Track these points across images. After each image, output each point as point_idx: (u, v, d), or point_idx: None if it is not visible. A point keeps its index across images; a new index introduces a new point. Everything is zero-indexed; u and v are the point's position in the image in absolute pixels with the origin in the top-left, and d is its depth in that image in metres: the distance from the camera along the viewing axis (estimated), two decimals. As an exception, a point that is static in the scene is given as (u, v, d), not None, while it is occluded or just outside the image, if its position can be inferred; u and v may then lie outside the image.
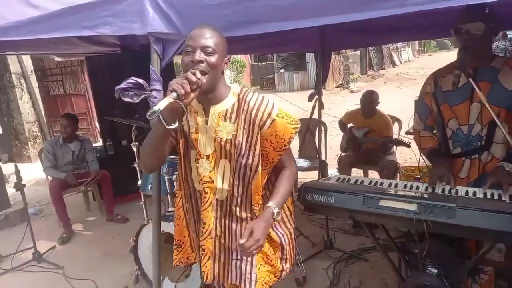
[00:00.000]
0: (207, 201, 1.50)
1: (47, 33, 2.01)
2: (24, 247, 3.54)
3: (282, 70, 16.12)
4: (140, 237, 2.72)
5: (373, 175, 4.55)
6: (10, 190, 4.53)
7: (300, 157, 4.10)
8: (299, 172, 4.53)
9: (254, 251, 1.38)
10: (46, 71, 9.17)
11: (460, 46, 1.83)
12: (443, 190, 1.76)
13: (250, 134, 1.43)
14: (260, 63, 18.57)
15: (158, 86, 1.83)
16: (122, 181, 4.14)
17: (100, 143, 6.02)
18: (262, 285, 1.55)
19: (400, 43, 21.11)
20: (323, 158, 4.49)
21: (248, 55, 17.15)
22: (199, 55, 1.32)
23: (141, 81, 1.83)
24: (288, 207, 1.65)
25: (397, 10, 1.29)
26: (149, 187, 2.91)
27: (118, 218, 4.28)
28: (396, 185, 1.85)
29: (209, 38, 1.33)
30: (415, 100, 3.91)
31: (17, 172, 3.34)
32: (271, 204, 1.45)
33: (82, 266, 3.37)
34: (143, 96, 1.88)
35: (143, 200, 3.14)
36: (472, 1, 1.24)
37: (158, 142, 1.39)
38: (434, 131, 2.21)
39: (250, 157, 1.45)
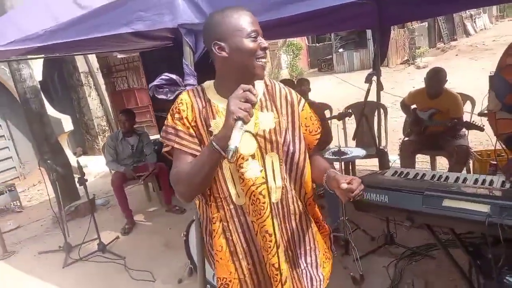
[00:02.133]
0: (266, 207, 1.27)
1: (87, 34, 2.02)
2: (92, 237, 3.76)
3: (341, 50, 15.42)
4: (190, 232, 2.72)
5: (442, 161, 4.14)
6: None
7: (357, 145, 3.82)
8: (357, 161, 4.29)
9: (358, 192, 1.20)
10: (111, 68, 9.72)
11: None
12: (525, 185, 1.47)
13: (292, 118, 1.34)
14: (317, 44, 17.97)
15: (192, 80, 1.74)
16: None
17: (158, 135, 6.23)
18: (326, 280, 1.45)
19: (474, 9, 19.02)
20: (384, 144, 4.18)
21: (305, 37, 16.65)
22: (264, 42, 1.21)
23: (174, 76, 1.75)
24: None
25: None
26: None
27: (176, 209, 4.39)
28: (464, 180, 1.59)
29: (257, 22, 1.22)
30: (490, 76, 3.43)
31: (80, 168, 3.53)
32: (331, 169, 1.34)
33: (142, 256, 3.51)
34: (177, 92, 1.80)
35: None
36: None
37: (212, 170, 1.22)
38: (515, 112, 1.86)
39: (297, 142, 1.33)
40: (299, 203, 1.37)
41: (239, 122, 1.06)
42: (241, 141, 1.06)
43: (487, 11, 22.72)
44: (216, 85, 1.30)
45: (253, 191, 1.26)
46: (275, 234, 1.27)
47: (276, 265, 1.28)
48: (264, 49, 1.20)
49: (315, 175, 1.38)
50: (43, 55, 4.66)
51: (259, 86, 1.32)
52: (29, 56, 3.87)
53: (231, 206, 1.29)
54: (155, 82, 1.70)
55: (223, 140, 1.09)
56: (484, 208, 1.30)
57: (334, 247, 2.91)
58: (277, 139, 1.28)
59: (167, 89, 1.79)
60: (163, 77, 1.71)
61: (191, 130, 1.25)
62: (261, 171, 1.26)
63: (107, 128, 8.28)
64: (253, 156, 1.26)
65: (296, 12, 1.38)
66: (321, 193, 3.76)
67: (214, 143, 1.11)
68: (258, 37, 1.19)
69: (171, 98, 1.82)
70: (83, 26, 2.03)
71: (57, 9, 2.35)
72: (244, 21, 1.18)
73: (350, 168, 4.10)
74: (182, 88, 1.80)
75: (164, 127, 1.29)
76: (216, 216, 1.31)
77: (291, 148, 1.31)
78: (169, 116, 1.28)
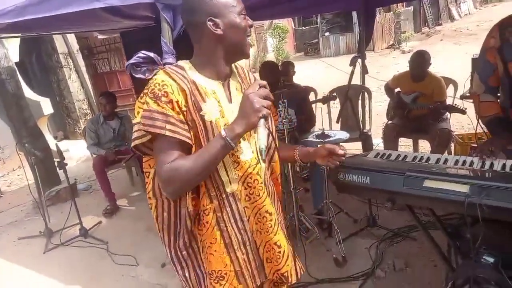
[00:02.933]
0: (262, 189, 1.25)
1: (59, 9, 1.92)
2: (73, 222, 3.69)
3: (327, 34, 15.33)
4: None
5: (424, 144, 4.19)
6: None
7: (341, 128, 3.82)
8: (341, 144, 4.28)
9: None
10: (92, 50, 9.43)
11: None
12: (504, 166, 1.47)
13: None
14: (304, 27, 17.81)
15: (171, 59, 1.68)
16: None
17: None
18: None
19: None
20: (368, 128, 4.20)
21: (291, 19, 16.47)
22: (251, 20, 1.20)
23: (152, 54, 1.67)
24: None
25: None
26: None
27: (160, 193, 4.34)
28: (445, 161, 1.59)
29: None
30: (473, 58, 3.45)
31: (59, 151, 3.43)
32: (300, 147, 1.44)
33: (125, 241, 3.47)
34: (156, 71, 1.73)
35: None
36: None
37: (215, 165, 1.16)
38: (498, 94, 1.87)
39: (269, 121, 1.26)
40: (271, 183, 1.37)
41: (262, 120, 1.05)
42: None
43: (472, -4, 22.82)
44: (198, 64, 1.21)
45: (250, 173, 1.22)
46: (273, 213, 1.29)
47: (279, 243, 1.28)
48: (251, 26, 1.19)
49: (283, 154, 1.42)
50: (19, 34, 4.49)
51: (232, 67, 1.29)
52: (3, 35, 3.71)
53: (224, 195, 1.21)
54: (131, 60, 1.61)
55: (238, 137, 1.07)
56: (464, 189, 1.31)
57: (318, 230, 2.94)
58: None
59: (144, 68, 1.71)
60: (140, 55, 1.63)
61: (181, 116, 1.12)
62: (253, 151, 1.24)
63: (88, 111, 8.09)
64: (243, 138, 1.21)
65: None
66: (305, 176, 3.77)
67: (229, 140, 1.06)
68: (247, 15, 1.17)
69: (149, 77, 1.75)
70: (55, 1, 1.92)
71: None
72: None
73: (334, 151, 4.11)
74: (160, 66, 1.73)
75: (146, 113, 1.10)
76: (209, 207, 1.21)
77: (269, 128, 1.28)
78: (150, 100, 1.11)
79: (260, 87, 1.08)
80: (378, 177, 1.50)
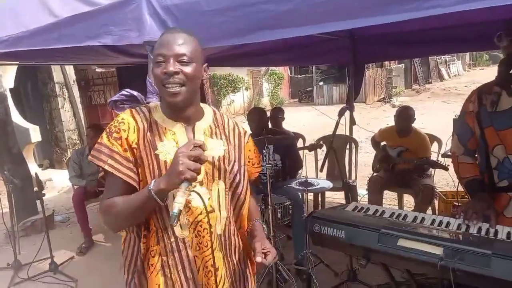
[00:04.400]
0: (213, 239, 1.18)
1: (52, 44, 1.97)
2: (45, 255, 3.53)
3: (321, 83, 15.83)
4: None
5: (410, 198, 4.18)
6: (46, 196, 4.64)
7: (326, 177, 3.83)
8: (326, 193, 4.28)
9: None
10: (89, 81, 9.56)
11: (504, 55, 1.54)
12: (480, 230, 1.46)
13: (238, 148, 1.32)
14: (299, 76, 18.38)
15: (155, 99, 1.69)
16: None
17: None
18: None
19: (449, 56, 20.06)
20: (353, 178, 4.20)
21: (288, 67, 17.02)
22: (173, 66, 1.10)
23: (135, 93, 1.68)
24: None
25: (411, 14, 1.06)
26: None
27: (139, 230, 4.21)
28: (422, 220, 1.58)
29: (183, 45, 1.11)
30: (454, 119, 3.54)
31: (38, 181, 3.36)
32: (259, 220, 1.37)
33: (96, 279, 3.31)
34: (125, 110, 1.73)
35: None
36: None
37: (144, 215, 1.15)
38: (477, 155, 1.89)
39: (242, 173, 1.29)
40: (238, 235, 1.32)
41: (184, 184, 1.00)
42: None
43: (461, 58, 24.01)
44: (163, 106, 1.24)
45: (200, 220, 1.16)
46: (222, 268, 1.21)
47: None
48: (168, 74, 1.09)
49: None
50: (17, 62, 4.54)
51: (207, 111, 1.30)
52: (-2, 62, 3.75)
53: (172, 239, 1.16)
54: (114, 97, 1.63)
55: (162, 193, 1.03)
56: (438, 251, 1.28)
57: (296, 282, 2.85)
58: (225, 167, 1.23)
59: (127, 106, 1.72)
60: (123, 92, 1.64)
61: (128, 154, 1.14)
62: (209, 199, 1.20)
63: (78, 141, 8.04)
64: (201, 183, 1.18)
65: (259, 40, 1.37)
66: (287, 223, 3.70)
67: (153, 193, 1.02)
68: (168, 61, 1.10)
69: (131, 115, 1.75)
70: (49, 35, 1.97)
71: (26, 16, 2.29)
72: (158, 43, 1.15)
73: (320, 199, 4.09)
74: (143, 104, 1.73)
75: (96, 145, 1.17)
76: (155, 249, 1.16)
77: (237, 178, 1.26)
78: (104, 135, 1.17)
79: (195, 147, 1.03)
80: (353, 232, 1.47)
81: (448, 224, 1.53)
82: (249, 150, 1.37)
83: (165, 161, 1.13)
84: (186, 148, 1.03)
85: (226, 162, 1.24)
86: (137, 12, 1.62)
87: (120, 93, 1.67)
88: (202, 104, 1.30)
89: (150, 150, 1.14)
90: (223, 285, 1.20)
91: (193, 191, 1.05)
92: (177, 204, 0.98)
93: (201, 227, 1.17)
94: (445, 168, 3.07)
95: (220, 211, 1.22)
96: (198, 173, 1.02)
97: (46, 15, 2.22)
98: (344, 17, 1.21)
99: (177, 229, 1.16)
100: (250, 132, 1.34)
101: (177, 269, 1.17)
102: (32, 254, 3.65)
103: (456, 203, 3.09)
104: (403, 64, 16.77)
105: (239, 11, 1.39)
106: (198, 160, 1.03)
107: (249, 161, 1.36)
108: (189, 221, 1.16)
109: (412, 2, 1.10)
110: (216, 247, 1.18)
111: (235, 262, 1.29)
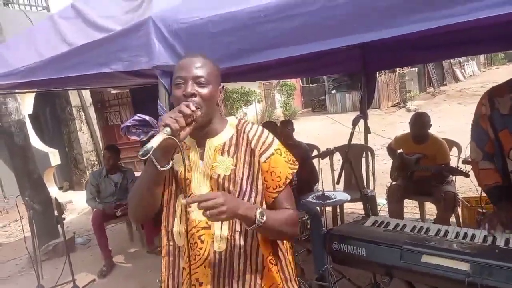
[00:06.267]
0: (204, 253, 1.23)
1: (65, 73, 2.01)
2: (67, 279, 3.56)
3: (333, 91, 15.75)
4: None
5: (431, 206, 4.07)
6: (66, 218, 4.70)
7: (344, 188, 3.76)
8: (345, 204, 4.20)
9: (213, 211, 1.06)
10: (105, 103, 9.76)
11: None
12: (507, 241, 1.39)
13: (252, 168, 1.25)
14: (311, 85, 18.36)
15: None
16: (164, 211, 4.10)
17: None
18: None
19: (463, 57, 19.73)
20: (371, 188, 4.12)
21: (298, 78, 17.02)
22: (191, 88, 1.18)
23: (147, 117, 1.70)
24: (290, 262, 1.37)
25: (422, 25, 1.03)
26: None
27: (158, 250, 4.21)
28: (446, 233, 1.52)
29: (200, 67, 1.20)
30: (472, 124, 3.46)
31: (58, 205, 3.40)
32: (256, 204, 1.23)
33: (117, 301, 3.31)
34: (150, 134, 1.75)
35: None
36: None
37: (151, 187, 1.21)
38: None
39: (253, 194, 1.24)
40: (250, 262, 1.26)
41: (167, 129, 1.07)
42: (159, 146, 1.06)
43: (475, 58, 23.59)
44: None
45: (193, 233, 1.22)
46: (207, 285, 1.23)
47: None
48: (188, 95, 1.17)
49: None
50: (34, 90, 4.68)
51: (228, 130, 1.30)
52: (16, 90, 3.86)
53: (171, 243, 1.29)
54: (126, 123, 1.65)
55: (158, 151, 1.10)
56: (464, 267, 1.23)
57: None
58: (229, 187, 1.23)
59: (140, 130, 1.73)
60: (135, 117, 1.67)
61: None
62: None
63: (96, 163, 8.17)
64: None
65: (269, 58, 1.36)
66: (305, 238, 3.64)
67: (152, 155, 1.11)
68: (186, 83, 1.18)
69: (144, 139, 1.77)
70: (62, 64, 2.02)
71: (42, 44, 2.36)
72: (178, 67, 1.23)
73: (338, 211, 4.02)
74: (156, 129, 1.75)
75: None
76: (164, 248, 1.31)
77: (246, 199, 1.23)
78: None
79: (184, 105, 1.13)
80: (374, 249, 1.43)
81: (473, 236, 1.47)
82: (266, 171, 1.25)
83: (178, 171, 1.26)
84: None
85: (231, 182, 1.23)
86: (146, 38, 1.64)
87: (132, 118, 1.69)
88: (231, 121, 1.32)
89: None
90: None
91: (170, 136, 1.07)
92: (153, 141, 1.05)
93: (194, 240, 1.22)
94: (466, 175, 2.97)
95: (221, 230, 1.23)
96: (178, 121, 1.08)
97: (60, 43, 2.28)
98: (351, 31, 1.20)
99: (176, 236, 1.27)
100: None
101: (169, 272, 1.30)
102: (54, 278, 3.69)
103: (480, 210, 2.98)
104: (416, 68, 16.57)
105: (245, 31, 1.39)
106: (180, 112, 1.10)
107: (264, 183, 1.26)
108: (185, 231, 1.20)
109: (422, 12, 1.07)
110: (203, 263, 1.22)
111: (233, 283, 1.25)
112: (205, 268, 1.23)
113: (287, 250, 1.36)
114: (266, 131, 1.30)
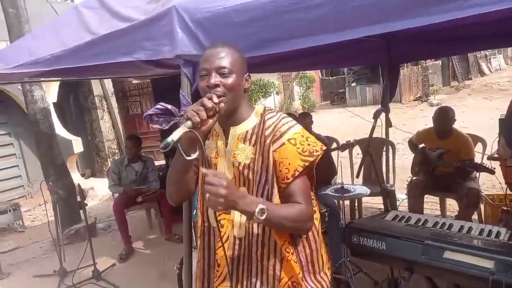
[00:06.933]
0: (223, 236, 1.30)
1: (89, 61, 2.04)
2: (88, 262, 3.67)
3: (353, 84, 15.52)
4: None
5: (453, 202, 3.98)
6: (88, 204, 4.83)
7: (363, 182, 3.72)
8: (364, 198, 4.15)
9: (212, 198, 1.07)
10: (126, 93, 9.90)
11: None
12: (535, 240, 1.35)
13: (266, 156, 1.25)
14: (330, 78, 18.13)
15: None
16: (183, 200, 4.18)
17: (164, 161, 6.22)
18: None
19: (488, 50, 19.06)
20: (391, 183, 4.06)
21: (318, 70, 16.84)
22: (214, 79, 1.20)
23: (169, 106, 1.71)
24: (322, 255, 1.39)
25: (449, 14, 1.00)
26: (194, 213, 2.81)
27: (176, 238, 4.28)
28: (469, 230, 1.49)
29: (223, 58, 1.21)
30: (500, 119, 3.33)
31: (80, 191, 3.50)
32: (261, 198, 1.20)
33: (137, 286, 3.39)
34: (172, 123, 1.75)
35: (193, 225, 3.06)
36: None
37: (181, 173, 1.30)
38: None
39: (267, 184, 1.25)
40: (268, 250, 1.27)
41: (189, 122, 1.10)
42: (184, 138, 1.11)
43: (502, 52, 22.74)
44: None
45: (217, 217, 1.31)
46: (224, 267, 1.30)
47: None
48: (211, 86, 1.19)
49: None
50: (59, 78, 4.79)
51: (252, 119, 1.31)
52: (41, 79, 3.95)
53: (206, 224, 1.36)
54: (149, 112, 1.66)
55: (183, 142, 1.16)
56: (488, 264, 1.20)
57: (334, 290, 2.77)
58: (249, 175, 1.26)
59: (162, 119, 1.74)
60: (158, 106, 1.67)
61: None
62: None
63: (117, 151, 8.34)
64: None
65: (294, 48, 1.34)
66: (323, 230, 3.63)
67: (179, 145, 1.16)
68: (210, 74, 1.20)
69: (166, 128, 1.78)
70: (86, 53, 2.05)
71: (66, 34, 2.40)
72: (202, 58, 1.24)
73: (356, 205, 3.98)
74: (178, 118, 1.76)
75: None
76: (201, 228, 1.38)
77: (265, 188, 1.24)
78: None
79: (207, 98, 1.15)
80: (395, 244, 1.41)
81: (498, 234, 1.43)
82: (276, 161, 1.23)
83: (209, 157, 1.33)
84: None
85: (250, 171, 1.25)
86: (169, 27, 1.65)
87: (155, 107, 1.71)
88: (257, 109, 1.33)
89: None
90: (221, 283, 1.33)
91: (191, 130, 1.10)
92: (173, 134, 1.07)
93: (219, 223, 1.31)
94: (492, 172, 2.88)
95: (241, 216, 1.26)
96: (199, 115, 1.11)
97: (85, 33, 2.31)
98: (378, 20, 1.17)
99: (211, 217, 1.34)
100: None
101: (204, 253, 1.38)
102: (76, 261, 3.80)
103: (505, 208, 2.90)
104: (440, 61, 16.12)
105: (269, 20, 1.38)
106: (202, 105, 1.13)
107: (276, 173, 1.24)
108: (214, 212, 1.31)
109: (450, 2, 1.04)
110: (222, 246, 1.28)
111: (251, 272, 1.29)
112: (224, 251, 1.26)
113: (320, 242, 1.36)
114: (286, 119, 1.27)
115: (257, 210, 1.10)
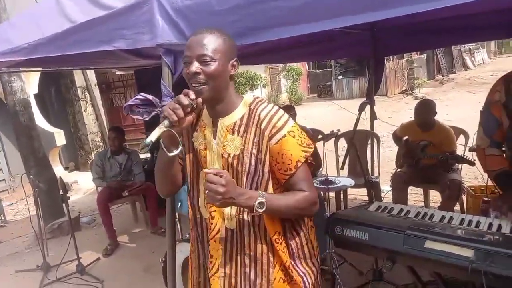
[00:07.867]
0: (214, 228, 1.32)
1: (67, 50, 1.98)
2: (72, 257, 3.61)
3: (340, 77, 15.58)
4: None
5: (436, 194, 4.04)
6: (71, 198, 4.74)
7: (348, 174, 3.74)
8: (349, 190, 4.18)
9: (210, 195, 1.11)
10: (110, 84, 9.74)
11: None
12: (513, 229, 1.37)
13: (260, 148, 1.25)
14: (317, 70, 18.16)
15: (169, 101, 1.67)
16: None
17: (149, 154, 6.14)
18: None
19: (473, 44, 19.37)
20: (376, 174, 4.10)
21: (305, 62, 16.84)
22: (194, 67, 1.18)
23: (150, 97, 1.68)
24: (311, 241, 1.40)
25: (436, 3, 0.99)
26: (178, 205, 2.79)
27: (162, 231, 4.25)
28: (450, 219, 1.50)
29: (205, 45, 1.18)
30: (481, 111, 3.39)
31: (62, 184, 3.43)
32: (260, 192, 1.21)
33: (121, 280, 3.37)
34: (153, 113, 1.73)
35: (177, 217, 3.03)
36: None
37: (166, 168, 1.33)
38: (504, 148, 1.80)
39: (260, 175, 1.25)
40: (260, 240, 1.29)
41: (166, 122, 1.12)
42: (164, 136, 1.15)
43: (486, 46, 23.15)
44: None
45: (209, 208, 1.32)
46: (217, 258, 1.32)
47: (212, 287, 1.33)
48: (192, 74, 1.18)
49: None
50: (39, 68, 4.66)
51: (240, 109, 1.29)
52: (20, 69, 3.84)
53: (198, 215, 1.37)
54: (129, 102, 1.63)
55: (165, 139, 1.20)
56: (468, 253, 1.21)
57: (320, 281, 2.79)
58: (238, 167, 1.25)
59: (142, 110, 1.71)
60: (138, 97, 1.64)
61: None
62: None
63: (101, 144, 8.20)
64: None
65: (277, 37, 1.32)
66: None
67: (161, 141, 1.19)
68: (191, 62, 1.18)
69: (146, 119, 1.75)
70: (64, 42, 1.99)
71: (45, 22, 2.32)
72: (186, 45, 1.23)
73: (342, 196, 4.01)
74: (158, 109, 1.73)
75: None
76: (192, 219, 1.39)
77: (254, 179, 1.25)
78: None
79: (183, 95, 1.17)
80: (377, 234, 1.41)
81: (478, 223, 1.45)
82: (277, 153, 1.23)
83: (197, 149, 1.33)
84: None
85: (239, 162, 1.25)
86: (149, 15, 1.61)
87: (135, 97, 1.67)
88: (246, 99, 1.32)
89: (188, 137, 1.36)
90: (215, 273, 1.33)
91: (168, 129, 1.12)
92: (151, 135, 1.10)
93: (210, 214, 1.33)
94: (472, 163, 2.93)
95: (231, 207, 1.27)
96: (176, 113, 1.12)
97: (63, 21, 2.24)
98: (363, 9, 1.15)
99: (202, 208, 1.35)
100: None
101: (197, 242, 1.39)
102: (59, 255, 3.74)
103: (486, 198, 2.95)
104: (425, 55, 16.30)
105: (251, 8, 1.35)
106: (179, 103, 1.14)
107: (275, 165, 1.25)
108: (206, 202, 1.31)
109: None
110: (213, 237, 1.32)
111: (244, 263, 1.30)
112: (215, 243, 1.32)
113: (308, 229, 1.40)
114: (280, 112, 1.27)
115: (255, 204, 1.15)
